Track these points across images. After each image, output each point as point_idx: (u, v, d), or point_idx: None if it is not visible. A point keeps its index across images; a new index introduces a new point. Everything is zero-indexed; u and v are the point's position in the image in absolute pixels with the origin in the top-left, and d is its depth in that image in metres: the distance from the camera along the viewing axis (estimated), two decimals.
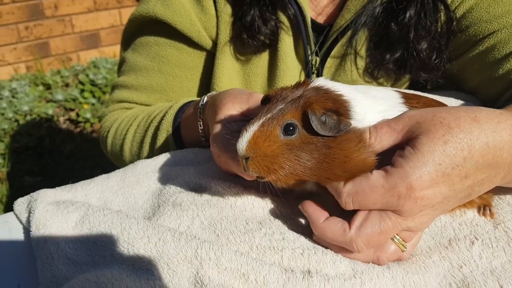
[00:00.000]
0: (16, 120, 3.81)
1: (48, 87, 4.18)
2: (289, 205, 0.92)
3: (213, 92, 1.17)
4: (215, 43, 1.36)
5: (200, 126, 1.14)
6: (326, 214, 0.81)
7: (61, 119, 3.93)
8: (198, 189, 0.95)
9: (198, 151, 1.13)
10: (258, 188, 0.95)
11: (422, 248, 0.86)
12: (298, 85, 0.82)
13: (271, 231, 0.83)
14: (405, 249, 0.80)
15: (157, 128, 1.28)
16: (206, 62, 1.40)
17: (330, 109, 0.77)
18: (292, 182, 0.79)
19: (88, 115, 3.86)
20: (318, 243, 0.83)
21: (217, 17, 1.33)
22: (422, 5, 1.24)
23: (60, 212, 0.89)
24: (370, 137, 0.78)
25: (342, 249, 0.80)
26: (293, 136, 0.77)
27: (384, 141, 0.78)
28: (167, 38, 1.38)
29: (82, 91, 4.07)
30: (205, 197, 0.93)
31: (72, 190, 1.02)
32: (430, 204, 0.74)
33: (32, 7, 4.47)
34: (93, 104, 3.98)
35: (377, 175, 0.75)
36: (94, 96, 4.04)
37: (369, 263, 0.79)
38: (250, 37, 1.30)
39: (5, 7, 4.35)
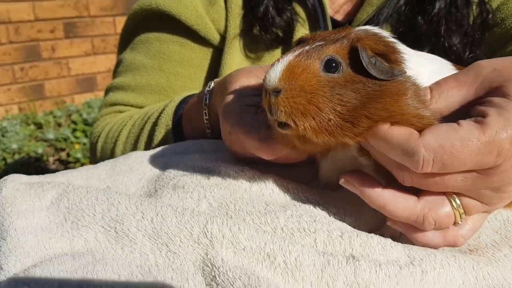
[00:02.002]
0: (4, 159, 3.63)
1: (39, 126, 4.04)
2: (316, 192, 0.75)
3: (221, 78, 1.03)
4: (223, 38, 1.22)
5: (205, 115, 0.99)
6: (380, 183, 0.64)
7: (51, 159, 3.75)
8: (204, 172, 0.78)
9: (203, 141, 0.96)
10: (278, 172, 0.79)
11: (486, 242, 0.68)
12: (339, 30, 0.68)
13: (299, 213, 0.66)
14: (459, 222, 0.63)
15: (154, 124, 1.12)
16: (212, 60, 1.26)
17: (381, 52, 0.63)
18: (325, 138, 0.62)
19: (79, 155, 3.69)
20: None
21: (227, 8, 1.20)
22: None
23: (33, 190, 0.71)
24: (432, 94, 0.63)
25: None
26: (335, 74, 0.62)
27: (451, 97, 0.62)
28: (169, 34, 1.24)
29: (74, 130, 3.92)
30: (214, 180, 0.75)
31: (51, 177, 0.84)
32: None
33: (29, 48, 4.40)
34: (84, 144, 3.82)
35: (468, 126, 0.57)
36: (86, 136, 3.89)
37: (411, 218, 0.62)
38: (263, 29, 1.17)
39: (2, 47, 4.27)
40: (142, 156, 0.91)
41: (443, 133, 0.58)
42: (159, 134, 1.10)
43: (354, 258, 0.57)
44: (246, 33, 1.20)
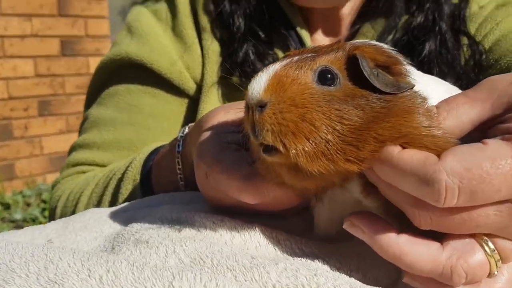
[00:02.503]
0: None
1: (7, 206, 3.82)
2: (313, 244, 0.61)
3: None
4: (199, 87, 1.12)
5: (178, 165, 0.85)
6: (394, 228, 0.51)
7: None
8: (175, 224, 0.64)
9: (176, 193, 0.82)
10: (266, 222, 0.65)
11: None
12: (331, 44, 0.58)
13: (294, 267, 0.51)
14: (495, 272, 0.49)
15: (120, 180, 0.98)
16: (188, 111, 1.14)
17: (383, 63, 0.53)
18: (322, 165, 0.49)
19: None
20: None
21: (203, 55, 1.11)
22: (442, 38, 1.07)
23: None
24: (439, 111, 0.52)
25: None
26: (332, 87, 0.51)
27: (462, 115, 0.51)
28: (141, 84, 1.13)
29: (44, 210, 3.70)
30: (186, 232, 0.61)
31: None
32: None
33: (0, 127, 4.27)
34: None
35: (496, 143, 0.47)
36: None
37: (435, 271, 0.48)
38: (244, 76, 1.07)
39: None
40: (101, 212, 0.76)
41: (467, 154, 0.46)
42: (125, 191, 0.95)
43: None
44: (224, 81, 1.09)
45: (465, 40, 1.09)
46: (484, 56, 1.07)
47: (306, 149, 0.49)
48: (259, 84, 0.51)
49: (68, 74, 4.65)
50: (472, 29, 1.09)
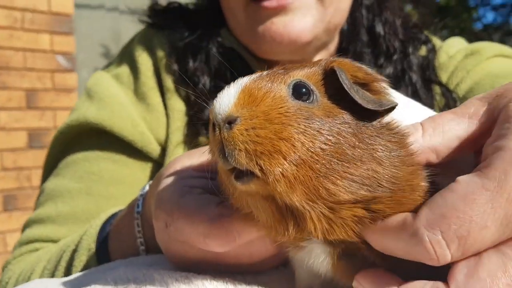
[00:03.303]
0: None
1: None
2: None
3: None
4: (163, 149, 1.04)
5: (138, 227, 0.75)
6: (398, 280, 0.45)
7: None
8: (131, 284, 0.53)
9: (134, 258, 0.71)
10: (239, 278, 0.55)
11: None
12: (303, 63, 0.53)
13: None
14: None
15: (74, 251, 0.86)
16: (152, 177, 1.05)
17: (362, 81, 0.48)
18: (302, 196, 0.42)
19: None
20: None
21: (167, 115, 1.04)
22: (413, 88, 1.04)
23: None
24: (424, 128, 0.48)
25: None
26: (308, 103, 0.44)
27: (448, 131, 0.48)
28: (100, 150, 1.05)
29: None
30: None
31: None
32: None
33: None
34: None
35: (467, 177, 0.43)
36: None
37: None
38: None
39: None
40: (47, 282, 0.65)
41: (439, 200, 0.43)
42: (79, 263, 0.83)
43: None
44: (191, 141, 1.02)
45: (437, 89, 1.07)
46: (458, 103, 1.04)
47: (285, 173, 0.41)
48: (227, 98, 0.44)
49: (35, 167, 4.51)
50: (443, 78, 1.08)
